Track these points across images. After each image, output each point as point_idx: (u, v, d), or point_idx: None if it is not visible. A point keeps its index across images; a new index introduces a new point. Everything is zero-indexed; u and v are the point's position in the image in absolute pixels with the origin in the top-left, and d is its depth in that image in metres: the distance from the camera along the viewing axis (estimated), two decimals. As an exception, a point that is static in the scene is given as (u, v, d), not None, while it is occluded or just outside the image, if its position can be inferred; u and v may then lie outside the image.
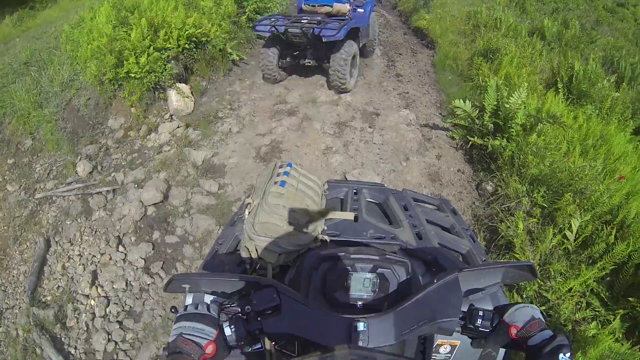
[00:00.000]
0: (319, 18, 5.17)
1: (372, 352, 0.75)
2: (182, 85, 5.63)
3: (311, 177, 1.38)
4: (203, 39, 6.00)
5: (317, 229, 1.22)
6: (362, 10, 5.70)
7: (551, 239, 2.82)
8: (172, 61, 5.68)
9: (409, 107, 5.39)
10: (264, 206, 1.18)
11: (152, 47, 5.39)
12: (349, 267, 1.01)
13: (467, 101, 4.29)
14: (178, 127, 5.24)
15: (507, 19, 7.66)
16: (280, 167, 1.34)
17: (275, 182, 1.24)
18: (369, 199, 1.56)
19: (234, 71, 6.31)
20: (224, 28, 6.47)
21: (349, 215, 1.32)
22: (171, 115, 5.41)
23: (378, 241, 1.22)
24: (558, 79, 5.33)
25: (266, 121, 5.09)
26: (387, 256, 1.03)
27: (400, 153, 4.46)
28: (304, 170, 1.38)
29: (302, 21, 4.99)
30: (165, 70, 5.45)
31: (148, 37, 5.43)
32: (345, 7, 5.52)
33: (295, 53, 5.49)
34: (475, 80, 5.75)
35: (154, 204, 4.02)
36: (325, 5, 5.59)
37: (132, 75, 5.22)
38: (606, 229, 2.81)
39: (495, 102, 4.22)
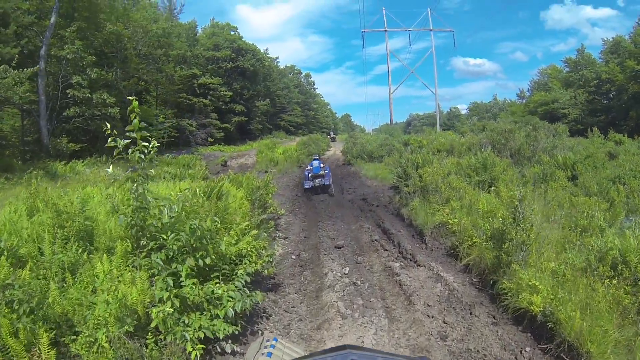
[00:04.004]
0: (319, 179, 13.42)
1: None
2: None
3: (296, 349, 1.68)
4: None
5: None
6: (329, 175, 13.75)
7: None
8: None
9: None
10: None
11: None
12: None
13: None
14: None
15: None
16: (267, 341, 1.69)
17: (263, 354, 1.52)
18: None
19: None
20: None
21: None
22: None
23: None
24: None
25: None
26: None
27: None
28: (289, 343, 1.73)
29: (315, 180, 13.33)
30: None
31: None
32: (323, 173, 13.57)
33: (315, 189, 13.39)
34: None
35: None
36: (319, 173, 13.55)
37: None
38: None
39: None
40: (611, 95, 35.93)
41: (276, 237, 7.72)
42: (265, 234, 6.97)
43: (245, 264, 4.45)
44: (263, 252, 4.87)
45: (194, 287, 3.52)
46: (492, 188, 9.67)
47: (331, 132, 49.50)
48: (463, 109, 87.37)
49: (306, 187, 13.39)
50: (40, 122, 17.87)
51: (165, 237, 3.60)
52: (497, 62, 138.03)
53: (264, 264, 4.65)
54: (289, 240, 7.87)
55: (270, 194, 7.80)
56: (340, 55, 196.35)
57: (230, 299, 3.68)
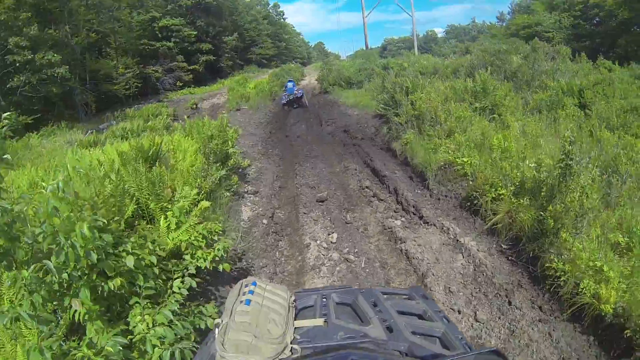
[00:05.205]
0: (293, 94, 16.29)
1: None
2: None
3: (277, 291, 1.42)
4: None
5: (287, 339, 1.24)
6: (301, 91, 17.08)
7: None
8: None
9: None
10: (231, 324, 1.23)
11: None
12: None
13: None
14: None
15: None
16: (246, 286, 1.40)
17: (241, 301, 1.31)
18: (338, 302, 1.55)
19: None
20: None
21: (319, 322, 1.37)
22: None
23: (349, 342, 1.22)
24: None
25: None
26: None
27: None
28: (269, 285, 1.43)
29: (291, 97, 16.30)
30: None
31: None
32: (298, 90, 16.90)
33: (291, 102, 16.27)
34: None
35: None
36: (294, 91, 16.49)
37: None
38: None
39: None
40: (595, 21, 34.23)
41: (244, 194, 6.21)
42: (227, 194, 5.46)
43: (187, 263, 2.99)
44: (216, 238, 3.37)
45: (92, 340, 2.04)
46: (495, 116, 8.31)
47: (294, 62, 47.98)
48: (440, 32, 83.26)
49: (283, 102, 16.56)
50: (-18, 99, 15.35)
51: (25, 272, 1.99)
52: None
53: (216, 257, 3.18)
54: (259, 196, 6.38)
55: (229, 142, 6.09)
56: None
57: (157, 343, 2.25)
